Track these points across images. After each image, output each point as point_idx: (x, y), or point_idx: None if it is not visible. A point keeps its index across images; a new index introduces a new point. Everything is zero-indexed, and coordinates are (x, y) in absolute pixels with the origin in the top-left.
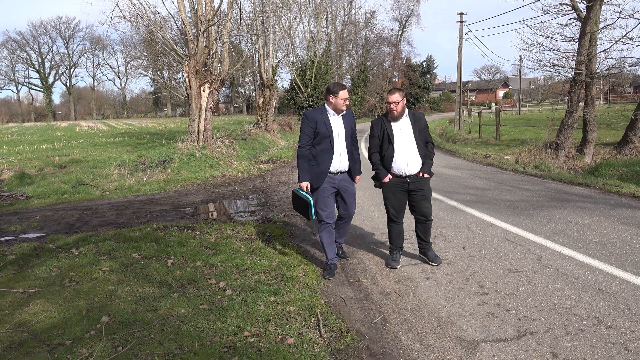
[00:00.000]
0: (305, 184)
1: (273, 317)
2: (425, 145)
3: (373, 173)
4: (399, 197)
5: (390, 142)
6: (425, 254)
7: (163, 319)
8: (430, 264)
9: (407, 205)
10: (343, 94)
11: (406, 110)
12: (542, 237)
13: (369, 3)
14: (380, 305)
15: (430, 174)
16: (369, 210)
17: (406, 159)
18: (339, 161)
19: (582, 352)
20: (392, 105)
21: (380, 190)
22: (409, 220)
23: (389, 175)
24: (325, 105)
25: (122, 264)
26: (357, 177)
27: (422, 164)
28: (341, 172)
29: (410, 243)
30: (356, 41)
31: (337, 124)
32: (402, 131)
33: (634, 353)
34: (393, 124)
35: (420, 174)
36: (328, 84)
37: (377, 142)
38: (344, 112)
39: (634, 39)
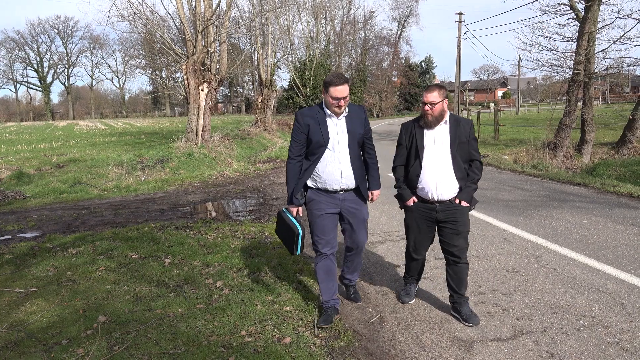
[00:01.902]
0: (296, 209)
1: (270, 317)
2: (469, 164)
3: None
4: (423, 228)
5: (418, 155)
6: (459, 310)
7: (160, 318)
8: (463, 324)
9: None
10: (334, 91)
11: (447, 114)
12: (540, 236)
13: (368, 3)
14: (378, 305)
15: (472, 202)
16: None
17: (435, 178)
18: (340, 176)
19: (579, 351)
20: (427, 107)
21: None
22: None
23: (414, 198)
24: (322, 103)
25: (120, 263)
26: (375, 192)
27: (461, 188)
28: (345, 191)
29: (404, 239)
30: (355, 41)
31: (337, 128)
32: (437, 143)
33: (630, 352)
34: (426, 132)
35: (457, 201)
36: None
37: (404, 152)
38: (346, 112)
39: (632, 39)
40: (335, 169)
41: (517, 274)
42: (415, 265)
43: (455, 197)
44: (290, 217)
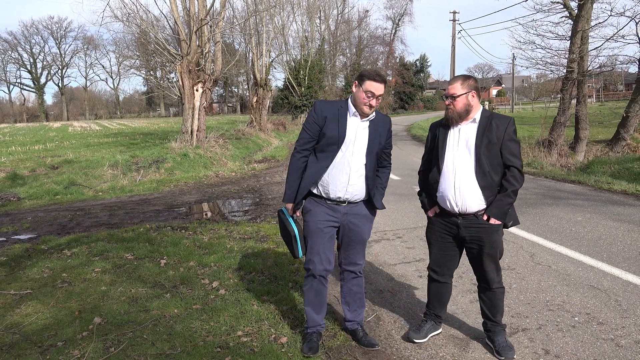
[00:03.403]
0: (291, 206)
1: (266, 317)
2: (504, 170)
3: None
4: (444, 245)
5: (438, 157)
6: (493, 339)
7: (156, 319)
8: (496, 357)
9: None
10: (370, 84)
11: (478, 111)
12: (535, 234)
13: (363, 2)
14: (374, 304)
15: (505, 220)
16: None
17: (454, 184)
18: (346, 185)
19: (574, 348)
20: (447, 101)
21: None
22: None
23: (435, 208)
24: (350, 99)
25: (115, 264)
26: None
27: (491, 201)
28: (349, 203)
29: (400, 238)
30: (349, 40)
31: (356, 129)
32: (460, 144)
33: (624, 349)
34: (450, 132)
35: (485, 217)
36: (322, 82)
37: (427, 155)
38: (373, 117)
39: (625, 37)
40: (342, 173)
41: (512, 271)
42: (436, 291)
43: (484, 212)
44: (288, 217)
